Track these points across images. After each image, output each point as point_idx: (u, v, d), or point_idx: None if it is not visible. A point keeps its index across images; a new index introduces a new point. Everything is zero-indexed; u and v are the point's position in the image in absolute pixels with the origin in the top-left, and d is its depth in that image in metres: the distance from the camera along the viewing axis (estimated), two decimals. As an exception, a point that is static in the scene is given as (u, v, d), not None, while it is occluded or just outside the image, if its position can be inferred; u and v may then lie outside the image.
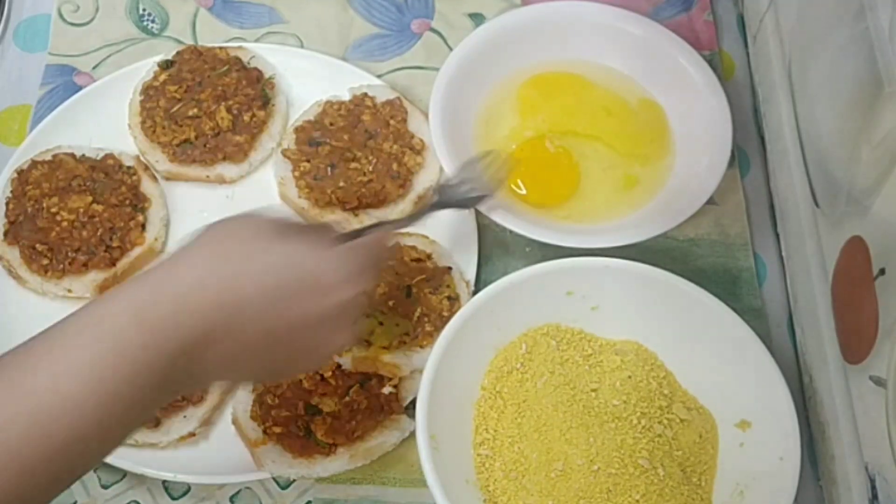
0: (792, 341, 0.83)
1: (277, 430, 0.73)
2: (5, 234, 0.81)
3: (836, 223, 0.71)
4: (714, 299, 0.75)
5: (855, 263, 0.67)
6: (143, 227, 0.82)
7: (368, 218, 0.84)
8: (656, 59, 0.89)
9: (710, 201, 0.85)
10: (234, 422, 0.76)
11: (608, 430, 0.73)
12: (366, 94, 0.88)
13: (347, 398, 0.74)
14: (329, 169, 0.85)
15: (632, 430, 0.73)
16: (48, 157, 0.84)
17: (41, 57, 0.94)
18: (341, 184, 0.84)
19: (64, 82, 0.92)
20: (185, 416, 0.75)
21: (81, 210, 0.81)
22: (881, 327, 0.62)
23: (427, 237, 0.84)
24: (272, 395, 0.74)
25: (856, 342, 0.67)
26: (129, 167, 0.85)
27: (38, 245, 0.80)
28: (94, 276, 0.80)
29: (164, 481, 0.76)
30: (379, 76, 0.93)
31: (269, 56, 0.91)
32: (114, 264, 0.81)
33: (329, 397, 0.74)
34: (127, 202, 0.82)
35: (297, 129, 0.87)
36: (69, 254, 0.80)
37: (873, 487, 0.64)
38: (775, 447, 0.71)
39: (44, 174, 0.82)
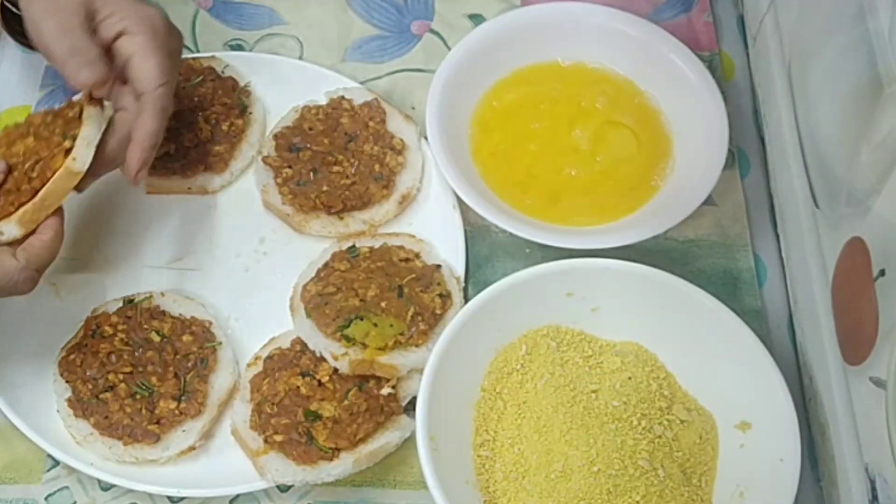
0: (792, 342, 0.83)
1: (278, 438, 0.73)
2: None
3: (836, 224, 0.71)
4: (714, 300, 0.75)
5: (855, 264, 0.67)
6: (69, 151, 0.73)
7: (354, 221, 0.84)
8: (654, 61, 0.89)
9: (710, 202, 0.85)
10: (234, 433, 0.76)
11: (608, 431, 0.73)
12: (343, 97, 0.88)
13: (346, 402, 0.74)
14: (311, 174, 0.85)
15: (632, 432, 0.73)
16: (21, 120, 0.77)
17: (41, 58, 0.93)
18: (325, 188, 0.84)
19: (64, 84, 0.92)
20: (184, 431, 0.75)
21: (22, 152, 0.74)
22: (881, 328, 0.62)
23: (414, 236, 0.84)
24: (270, 404, 0.74)
25: (856, 343, 0.67)
26: (78, 100, 0.75)
27: None
28: (20, 211, 0.72)
29: (163, 483, 0.76)
30: (378, 78, 0.94)
31: (241, 64, 0.90)
32: (34, 195, 0.72)
33: (328, 402, 0.74)
34: (58, 132, 0.74)
35: (277, 136, 0.87)
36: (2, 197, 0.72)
37: (873, 488, 0.64)
38: (775, 448, 0.71)
39: (14, 134, 0.76)
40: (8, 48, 0.94)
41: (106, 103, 0.76)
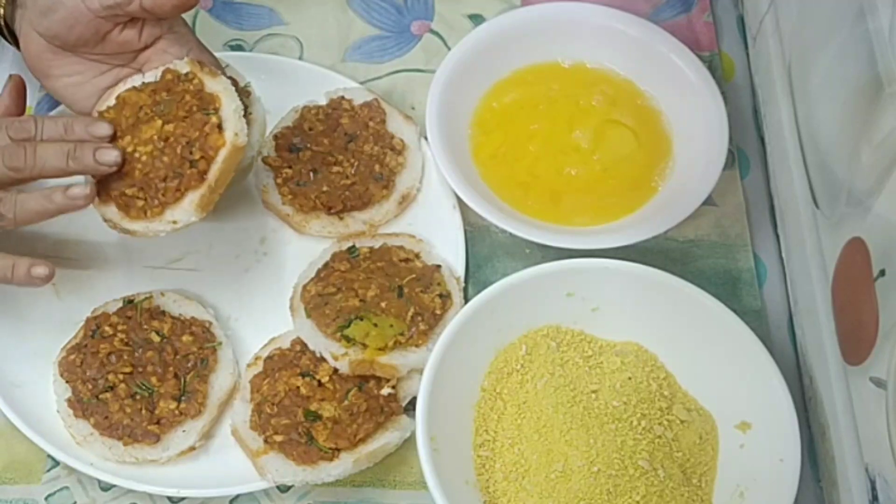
0: (792, 342, 0.83)
1: (278, 438, 0.73)
2: (98, 194, 0.75)
3: (836, 224, 0.71)
4: (714, 300, 0.75)
5: (855, 264, 0.67)
6: (220, 127, 0.74)
7: (354, 221, 0.84)
8: (654, 61, 0.89)
9: (710, 202, 0.85)
10: (234, 433, 0.76)
11: (608, 431, 0.73)
12: (343, 98, 0.88)
13: (346, 402, 0.74)
14: (311, 174, 0.85)
15: (632, 432, 0.73)
16: (112, 102, 0.78)
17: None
18: (325, 188, 0.84)
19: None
20: (184, 431, 0.75)
21: (155, 137, 0.74)
22: (881, 328, 0.62)
23: (414, 237, 0.84)
24: (270, 404, 0.74)
25: (856, 343, 0.67)
26: (185, 74, 0.77)
27: (127, 190, 0.74)
28: (192, 197, 0.73)
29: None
30: (378, 78, 0.94)
31: (241, 64, 0.89)
32: (204, 177, 0.73)
33: (328, 402, 0.74)
34: (195, 109, 0.74)
35: (277, 136, 0.87)
36: (159, 185, 0.73)
37: (873, 489, 0.64)
38: (775, 448, 0.71)
39: (112, 119, 0.77)
40: (8, 48, 0.94)
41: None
